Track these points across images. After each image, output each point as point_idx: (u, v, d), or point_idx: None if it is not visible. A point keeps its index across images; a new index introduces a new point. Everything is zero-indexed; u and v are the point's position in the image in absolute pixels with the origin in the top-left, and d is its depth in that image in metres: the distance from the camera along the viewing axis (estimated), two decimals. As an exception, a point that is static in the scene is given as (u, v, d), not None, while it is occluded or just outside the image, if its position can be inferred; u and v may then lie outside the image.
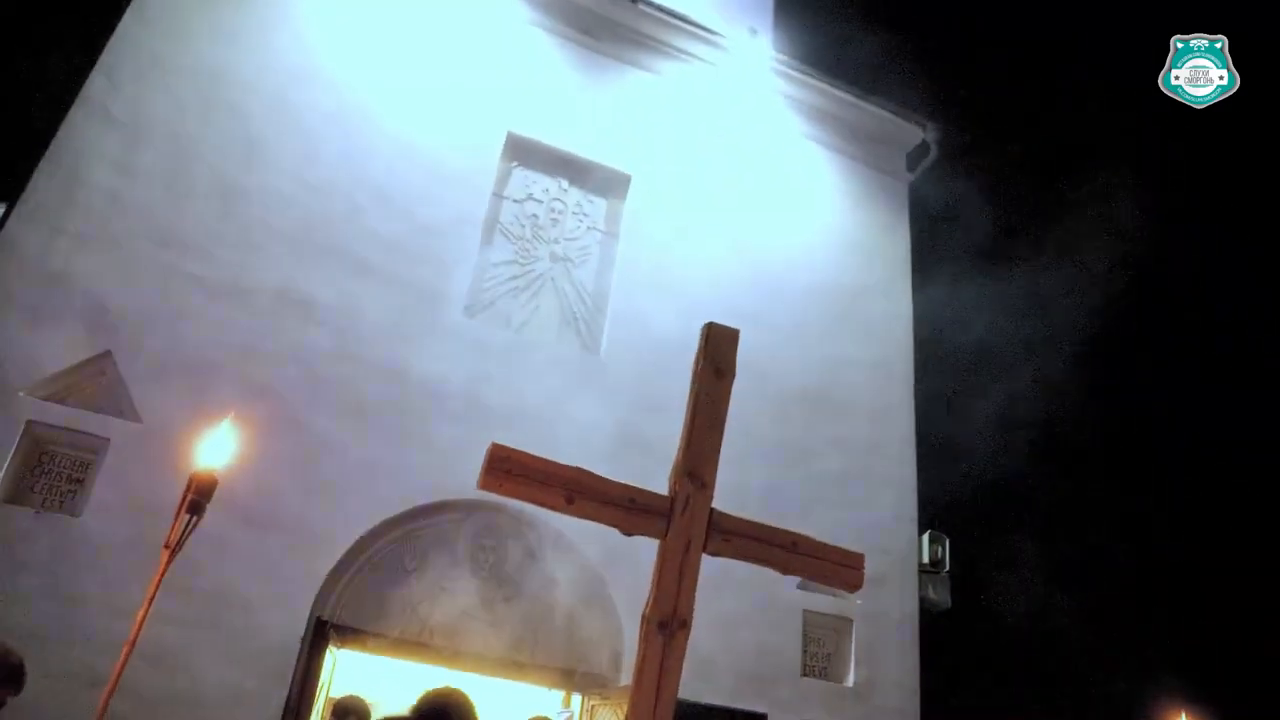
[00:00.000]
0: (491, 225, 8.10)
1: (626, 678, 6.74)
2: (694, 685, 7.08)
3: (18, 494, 5.94)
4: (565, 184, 8.57)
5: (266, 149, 7.34)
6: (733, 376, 3.91)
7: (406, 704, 7.89)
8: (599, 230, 8.57)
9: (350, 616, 6.38)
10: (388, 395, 6.92)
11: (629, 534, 3.82)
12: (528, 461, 3.73)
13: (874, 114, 10.18)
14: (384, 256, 7.35)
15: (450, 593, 6.76)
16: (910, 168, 10.46)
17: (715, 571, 7.52)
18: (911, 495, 8.69)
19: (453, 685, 4.24)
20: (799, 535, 4.06)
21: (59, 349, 6.18)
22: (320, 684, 6.18)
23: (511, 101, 8.48)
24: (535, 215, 8.35)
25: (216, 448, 4.28)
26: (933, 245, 10.24)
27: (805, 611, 7.80)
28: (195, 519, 4.16)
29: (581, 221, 8.50)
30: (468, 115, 8.20)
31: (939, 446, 9.47)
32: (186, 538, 4.12)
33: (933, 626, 8.58)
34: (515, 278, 8.02)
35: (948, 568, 8.68)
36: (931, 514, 8.96)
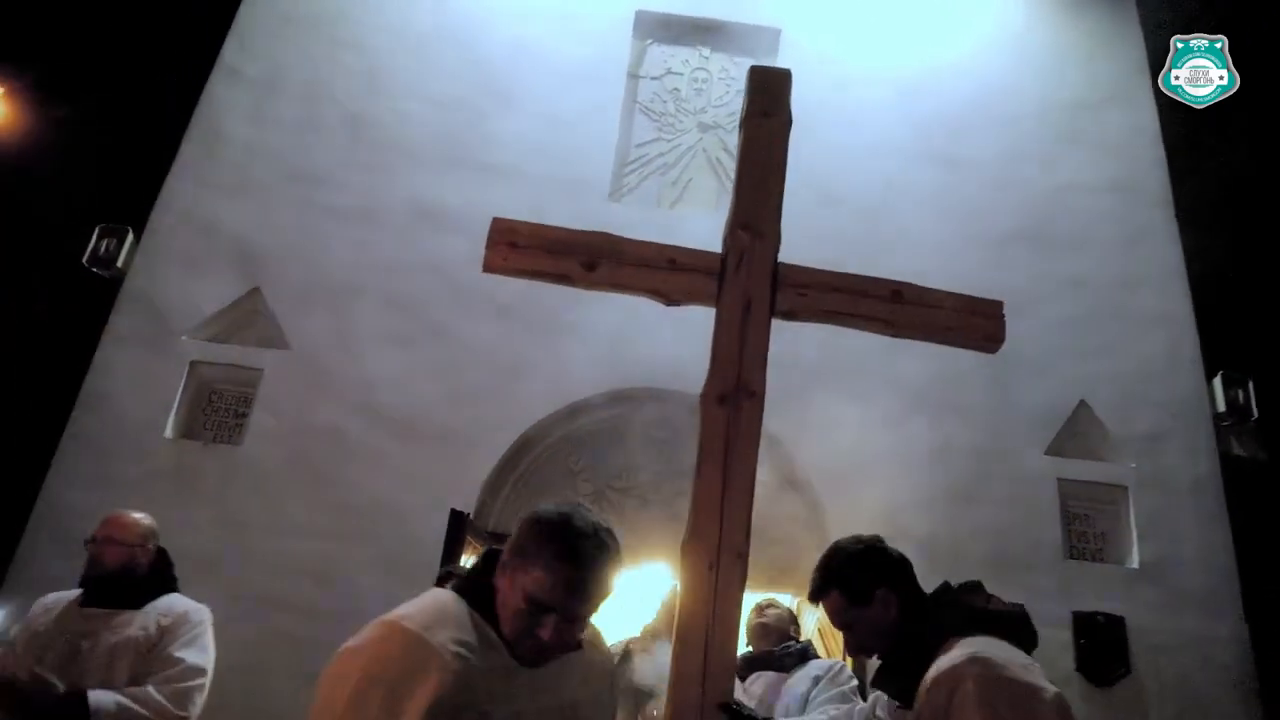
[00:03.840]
0: (630, 107, 7.44)
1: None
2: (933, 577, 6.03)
3: (191, 430, 6.09)
4: (707, 52, 7.72)
5: (386, 76, 7.17)
6: (787, 119, 3.22)
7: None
8: (750, 92, 7.68)
9: (512, 524, 5.98)
10: (532, 293, 6.47)
11: (673, 303, 3.06)
12: (537, 230, 3.08)
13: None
14: (514, 157, 6.90)
15: (621, 492, 6.18)
16: (1132, -44, 8.63)
17: (935, 443, 6.52)
18: (1190, 333, 6.94)
19: None
20: (902, 283, 3.12)
21: (214, 293, 6.33)
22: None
23: (634, -22, 7.82)
24: (677, 89, 7.57)
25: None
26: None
27: (1060, 481, 6.43)
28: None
29: (729, 87, 7.57)
30: (588, 2, 7.65)
31: (1217, 277, 7.65)
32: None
33: (1245, 489, 6.87)
34: (662, 154, 7.29)
35: (1255, 415, 6.89)
36: (1222, 353, 7.21)
